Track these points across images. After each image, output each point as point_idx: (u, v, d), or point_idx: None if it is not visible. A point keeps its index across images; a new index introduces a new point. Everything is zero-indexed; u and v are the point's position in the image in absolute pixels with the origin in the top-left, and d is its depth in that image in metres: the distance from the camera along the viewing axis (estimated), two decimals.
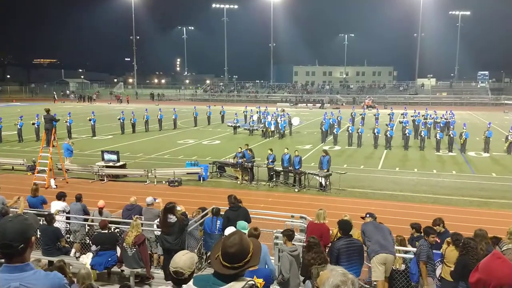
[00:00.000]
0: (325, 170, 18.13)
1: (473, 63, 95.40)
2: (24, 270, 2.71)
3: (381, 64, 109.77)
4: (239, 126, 36.70)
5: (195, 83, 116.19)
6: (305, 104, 72.69)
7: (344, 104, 72.96)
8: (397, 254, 8.11)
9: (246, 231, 7.59)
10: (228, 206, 9.69)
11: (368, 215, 8.48)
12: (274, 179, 18.94)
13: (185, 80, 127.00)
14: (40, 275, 2.76)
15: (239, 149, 20.31)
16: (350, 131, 29.77)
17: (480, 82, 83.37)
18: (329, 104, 71.77)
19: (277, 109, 43.47)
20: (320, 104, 70.19)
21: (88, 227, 10.67)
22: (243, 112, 45.35)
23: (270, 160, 18.99)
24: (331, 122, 33.71)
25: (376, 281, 7.80)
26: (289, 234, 7.34)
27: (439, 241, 8.04)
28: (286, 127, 34.99)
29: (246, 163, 19.31)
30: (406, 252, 8.50)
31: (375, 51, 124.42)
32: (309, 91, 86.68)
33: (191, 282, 2.95)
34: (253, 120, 37.83)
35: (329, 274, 2.49)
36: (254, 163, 19.39)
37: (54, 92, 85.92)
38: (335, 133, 30.54)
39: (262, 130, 34.64)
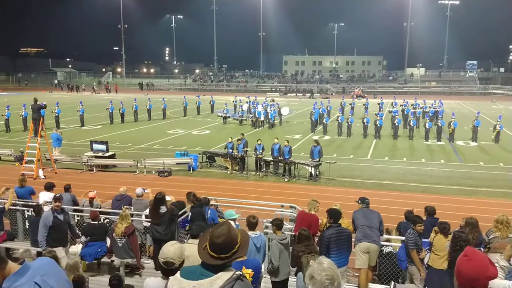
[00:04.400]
0: (317, 160, 18.17)
1: (462, 53, 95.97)
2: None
3: (370, 54, 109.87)
4: (229, 116, 36.64)
5: (185, 73, 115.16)
6: (294, 94, 72.70)
7: (333, 93, 73.05)
8: (382, 243, 8.20)
9: (235, 217, 7.63)
10: (190, 204, 9.56)
11: (359, 201, 8.46)
12: (264, 169, 18.96)
13: (174, 70, 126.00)
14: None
15: (230, 139, 20.30)
16: (340, 121, 29.86)
17: (468, 72, 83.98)
18: (318, 94, 71.81)
19: (266, 99, 43.37)
20: (309, 94, 70.20)
21: (78, 218, 10.63)
22: (233, 102, 45.24)
23: (259, 151, 19.01)
24: (321, 112, 33.78)
25: (359, 269, 7.88)
26: (277, 224, 7.35)
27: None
28: (276, 117, 35.00)
29: (236, 153, 19.30)
30: (389, 240, 8.64)
31: (364, 40, 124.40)
32: (298, 80, 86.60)
33: (178, 274, 2.93)
34: (242, 110, 37.75)
35: (316, 270, 2.50)
36: (245, 153, 19.37)
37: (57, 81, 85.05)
38: (325, 122, 30.64)
39: (252, 120, 34.63)
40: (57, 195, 9.22)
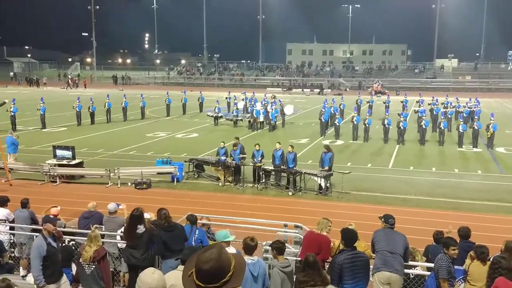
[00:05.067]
0: (326, 169, 18.22)
1: (502, 41, 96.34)
2: None
3: (392, 42, 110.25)
4: (221, 116, 36.67)
5: (168, 64, 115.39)
6: (301, 90, 72.84)
7: (347, 89, 73.22)
8: (410, 271, 8.14)
9: (230, 239, 7.56)
10: (159, 224, 9.27)
11: (383, 219, 8.42)
12: (264, 181, 18.97)
13: (156, 60, 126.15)
14: None
15: (222, 144, 20.34)
16: (355, 122, 29.90)
17: (511, 64, 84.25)
18: (329, 90, 71.96)
19: (266, 96, 43.45)
20: (319, 90, 70.34)
21: None
22: (226, 99, 45.27)
23: (259, 159, 19.05)
24: (332, 111, 33.80)
25: None
26: (278, 247, 7.31)
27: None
28: (278, 117, 35.08)
29: (230, 161, 19.35)
30: (414, 267, 8.58)
31: (385, 25, 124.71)
32: (305, 73, 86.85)
33: None
34: (237, 109, 37.79)
35: None
36: (241, 161, 19.42)
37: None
38: (337, 124, 30.67)
39: (249, 121, 34.69)
40: (50, 215, 9.13)
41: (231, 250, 7.25)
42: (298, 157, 19.92)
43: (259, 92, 54.76)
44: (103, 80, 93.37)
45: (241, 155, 19.39)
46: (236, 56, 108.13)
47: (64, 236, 9.63)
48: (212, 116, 36.63)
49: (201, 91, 47.52)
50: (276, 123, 34.61)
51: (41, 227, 10.74)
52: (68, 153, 20.53)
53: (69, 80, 78.15)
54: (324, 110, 32.66)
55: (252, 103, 38.79)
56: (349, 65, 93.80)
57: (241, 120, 36.11)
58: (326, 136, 31.03)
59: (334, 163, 18.86)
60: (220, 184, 19.26)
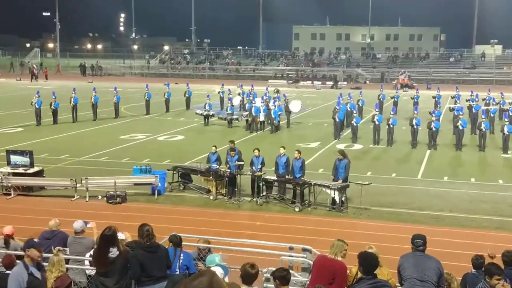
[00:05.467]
0: (341, 180, 18.21)
1: None
2: None
3: (422, 24, 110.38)
4: (212, 115, 36.63)
5: (148, 51, 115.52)
6: (310, 82, 72.88)
7: (368, 82, 73.26)
8: None
9: (219, 271, 7.52)
10: (140, 243, 9.20)
11: (414, 241, 8.43)
12: (265, 193, 18.92)
13: (133, 46, 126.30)
14: None
15: (213, 148, 20.30)
16: (377, 122, 29.83)
17: None
18: (345, 83, 71.99)
19: (268, 90, 43.39)
20: (332, 83, 70.37)
21: None
22: (219, 93, 45.23)
23: (259, 167, 19.05)
24: (349, 109, 33.78)
25: None
26: (281, 276, 7.14)
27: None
28: (281, 116, 35.04)
29: (224, 170, 19.31)
30: None
31: (413, 4, 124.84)
32: (316, 62, 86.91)
33: None
34: (232, 106, 37.65)
35: None
36: (236, 169, 19.41)
37: None
38: (355, 124, 30.58)
39: (247, 120, 34.64)
40: (33, 239, 9.05)
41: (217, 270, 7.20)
42: (307, 164, 19.88)
43: (259, 85, 54.87)
44: (68, 70, 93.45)
45: (237, 162, 19.37)
46: (231, 41, 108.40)
47: (19, 260, 9.55)
48: (201, 114, 36.54)
49: (188, 84, 47.25)
50: (280, 123, 34.57)
51: (22, 253, 10.72)
52: (25, 160, 20.34)
53: (34, 70, 77.70)
54: (338, 108, 32.59)
55: (251, 98, 38.75)
56: (369, 52, 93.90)
57: (237, 119, 36.02)
58: (341, 139, 30.99)
59: (350, 172, 18.82)
60: (212, 197, 19.20)
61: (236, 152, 19.67)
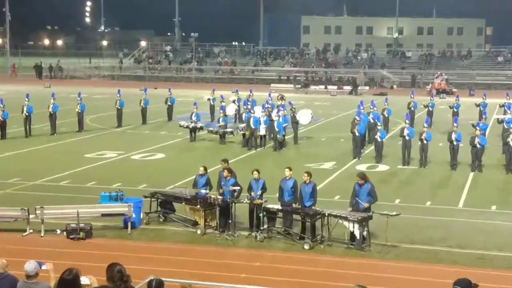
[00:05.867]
0: (362, 210, 18.05)
1: None
2: None
3: (463, 15, 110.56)
4: (201, 127, 36.34)
5: (120, 47, 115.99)
6: (323, 87, 72.93)
7: (395, 87, 73.35)
8: None
9: None
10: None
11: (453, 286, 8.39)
12: (266, 226, 18.80)
13: (102, 42, 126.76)
14: None
15: (201, 169, 20.11)
16: (407, 137, 29.58)
17: None
18: (367, 87, 72.10)
19: (270, 96, 43.05)
20: (350, 87, 70.40)
21: None
22: (209, 100, 45.20)
23: (258, 193, 18.92)
24: (372, 120, 33.51)
25: None
26: None
27: None
28: (287, 129, 34.78)
29: (215, 197, 19.08)
30: None
31: None
32: (330, 62, 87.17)
33: None
34: (225, 116, 37.27)
35: None
36: (231, 196, 19.12)
37: None
38: (379, 140, 30.42)
39: (244, 134, 34.37)
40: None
41: None
42: (319, 190, 19.80)
43: (259, 90, 54.93)
44: (21, 71, 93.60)
45: (232, 188, 19.19)
46: (223, 36, 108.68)
47: None
48: (187, 127, 36.35)
49: (171, 89, 47.26)
50: (285, 137, 34.28)
51: None
52: None
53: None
54: (358, 119, 32.20)
55: (249, 107, 38.06)
56: (397, 50, 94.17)
57: (232, 133, 35.65)
58: (362, 158, 30.86)
59: (375, 199, 18.53)
60: (199, 232, 19.04)
61: (232, 175, 19.46)
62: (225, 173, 19.48)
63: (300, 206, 18.56)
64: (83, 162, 29.23)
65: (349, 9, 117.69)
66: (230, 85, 63.10)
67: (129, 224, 19.19)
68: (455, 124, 30.27)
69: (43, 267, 10.88)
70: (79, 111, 38.84)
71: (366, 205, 18.03)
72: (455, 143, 28.80)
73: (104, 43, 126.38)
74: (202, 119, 37.87)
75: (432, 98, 44.95)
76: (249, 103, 39.53)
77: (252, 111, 35.77)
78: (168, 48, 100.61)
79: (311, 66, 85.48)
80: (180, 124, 37.52)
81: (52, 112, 37.63)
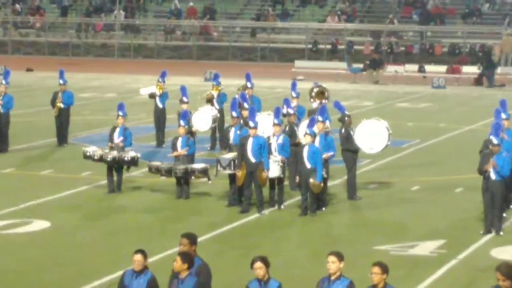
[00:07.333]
0: None
1: None
2: None
3: None
4: (133, 160, 21.88)
5: None
6: (415, 68, 45.22)
7: None
8: None
9: None
10: None
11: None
12: None
13: None
14: None
15: (136, 258, 11.54)
16: None
17: None
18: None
19: (295, 88, 25.80)
20: (479, 68, 42.75)
21: None
22: (152, 97, 28.54)
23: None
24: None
25: None
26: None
27: None
28: (331, 161, 21.16)
29: None
30: None
31: None
32: (432, 12, 53.92)
33: None
34: (190, 135, 22.15)
35: None
36: None
37: None
38: None
39: (232, 176, 20.36)
40: None
41: None
42: None
43: (267, 75, 40.82)
44: None
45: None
46: None
47: None
48: (100, 159, 21.98)
49: (64, 72, 28.74)
50: (327, 181, 20.41)
51: None
52: None
53: None
54: (497, 142, 17.39)
55: (244, 113, 22.88)
56: None
57: (205, 173, 21.09)
58: None
59: None
60: None
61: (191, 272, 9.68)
62: (178, 265, 9.38)
63: None
64: None
65: None
66: (202, 64, 46.94)
67: None
68: None
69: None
70: None
71: None
72: None
73: None
74: (139, 139, 25.11)
75: None
76: (245, 104, 24.15)
77: (251, 124, 20.62)
78: None
79: (387, 22, 55.92)
80: (86, 154, 22.90)
81: None
